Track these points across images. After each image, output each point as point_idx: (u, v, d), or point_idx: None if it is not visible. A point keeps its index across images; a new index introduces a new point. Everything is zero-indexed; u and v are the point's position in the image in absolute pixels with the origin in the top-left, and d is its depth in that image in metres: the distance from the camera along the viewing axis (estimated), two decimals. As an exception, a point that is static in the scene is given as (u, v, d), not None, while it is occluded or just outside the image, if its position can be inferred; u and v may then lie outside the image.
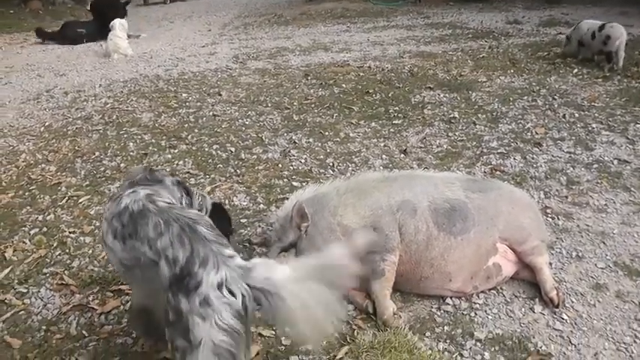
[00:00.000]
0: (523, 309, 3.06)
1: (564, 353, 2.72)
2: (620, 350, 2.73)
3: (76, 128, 6.11)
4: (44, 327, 3.08)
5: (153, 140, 5.67)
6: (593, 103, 6.23)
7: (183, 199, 2.72)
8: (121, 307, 3.19)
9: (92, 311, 3.18)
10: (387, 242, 3.01)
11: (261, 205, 4.30)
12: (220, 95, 7.15)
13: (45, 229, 4.07)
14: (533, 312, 3.02)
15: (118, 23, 9.97)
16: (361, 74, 7.93)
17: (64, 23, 11.86)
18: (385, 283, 3.01)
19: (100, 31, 11.01)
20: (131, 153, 5.36)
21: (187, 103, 6.83)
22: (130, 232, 2.26)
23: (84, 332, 3.01)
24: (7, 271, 3.58)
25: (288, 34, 11.70)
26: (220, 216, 3.06)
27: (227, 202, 4.34)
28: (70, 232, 4.01)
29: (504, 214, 3.19)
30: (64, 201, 4.48)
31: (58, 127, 6.21)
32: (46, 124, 6.31)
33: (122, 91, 7.54)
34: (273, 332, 2.91)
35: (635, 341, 2.79)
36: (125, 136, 5.82)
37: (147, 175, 2.63)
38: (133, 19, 11.87)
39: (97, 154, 5.37)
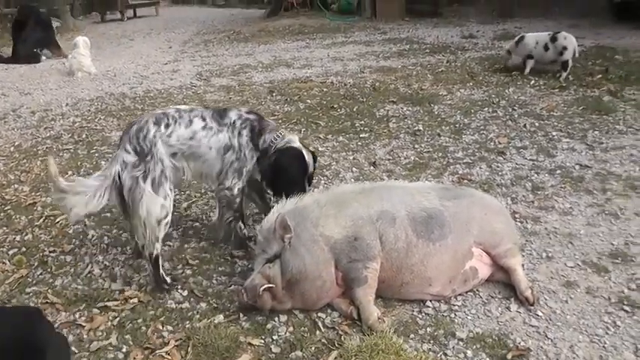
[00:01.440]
0: (500, 308, 3.19)
1: (542, 347, 2.86)
2: (594, 342, 2.89)
3: (47, 148, 6.12)
4: None
5: (124, 158, 5.69)
6: (551, 113, 6.46)
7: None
8: (109, 322, 3.22)
9: (80, 328, 3.20)
10: (368, 251, 3.11)
11: (239, 220, 4.39)
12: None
13: (24, 249, 4.08)
14: (510, 310, 3.16)
15: (81, 41, 9.97)
16: (325, 90, 8.07)
17: (15, 44, 11.74)
18: (368, 290, 3.12)
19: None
20: (104, 171, 5.38)
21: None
22: None
23: (73, 349, 3.02)
24: None
25: (249, 51, 11.82)
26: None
27: (204, 217, 4.43)
28: (50, 252, 4.02)
29: (478, 220, 3.34)
30: (40, 221, 4.49)
31: (27, 146, 6.21)
32: (16, 144, 6.31)
33: (89, 110, 7.56)
34: (262, 341, 3.00)
35: (607, 333, 2.94)
36: (96, 154, 5.86)
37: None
38: (92, 37, 11.83)
39: (69, 173, 5.38)
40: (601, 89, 7.26)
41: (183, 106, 3.74)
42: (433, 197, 3.37)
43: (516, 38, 8.18)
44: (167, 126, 3.51)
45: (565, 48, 7.68)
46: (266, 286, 3.05)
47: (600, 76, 7.82)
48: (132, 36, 15.13)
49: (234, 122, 3.66)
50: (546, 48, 7.80)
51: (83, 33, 13.35)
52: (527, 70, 8.09)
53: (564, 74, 7.80)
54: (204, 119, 3.61)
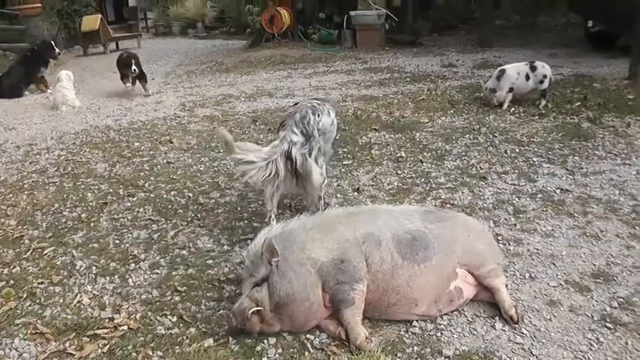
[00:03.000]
0: (485, 327, 3.26)
1: (527, 364, 2.94)
2: (578, 358, 2.96)
3: (32, 181, 6.12)
4: None
5: (110, 190, 5.74)
6: (532, 139, 6.60)
7: None
8: (99, 350, 3.23)
9: (70, 357, 3.21)
10: (355, 273, 3.17)
11: (225, 247, 4.42)
12: (172, 143, 7.26)
13: (12, 281, 4.06)
14: (495, 329, 3.23)
15: (64, 74, 9.97)
16: (308, 118, 8.13)
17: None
18: (356, 311, 3.17)
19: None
20: (90, 203, 5.41)
21: (140, 152, 6.93)
22: None
23: (65, 377, 3.07)
24: None
25: (231, 82, 11.88)
26: None
27: (191, 245, 4.47)
28: (38, 283, 4.01)
29: (461, 241, 3.42)
30: (28, 253, 4.48)
31: (13, 181, 6.20)
32: (1, 178, 6.29)
33: (74, 143, 7.57)
34: (252, 363, 3.05)
35: (590, 349, 3.02)
36: (82, 187, 5.87)
37: None
38: (75, 70, 11.83)
39: (56, 205, 5.40)
40: (580, 116, 7.42)
41: (316, 101, 4.83)
42: (417, 220, 3.46)
43: (496, 73, 8.10)
44: (318, 115, 4.56)
45: (545, 76, 7.86)
46: (254, 309, 3.10)
47: (579, 103, 8.00)
48: (114, 69, 14.99)
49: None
50: (527, 78, 7.91)
51: (66, 66, 13.38)
52: (506, 105, 8.05)
53: (544, 102, 7.96)
54: (329, 114, 4.73)
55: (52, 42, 12.03)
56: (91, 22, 18.22)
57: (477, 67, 11.71)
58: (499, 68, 8.24)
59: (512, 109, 7.96)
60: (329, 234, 3.32)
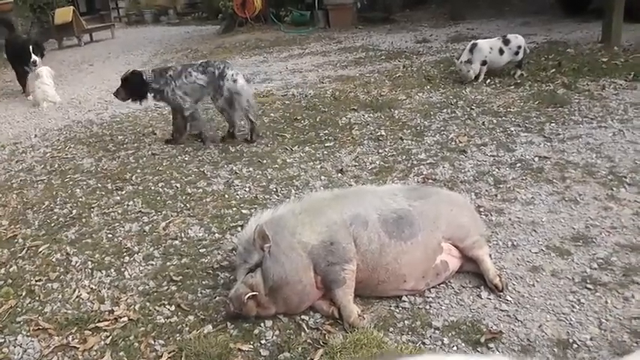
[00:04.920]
0: (471, 297, 3.40)
1: (513, 329, 3.07)
2: (561, 320, 3.11)
3: (20, 180, 6.18)
4: None
5: (99, 184, 5.80)
6: (508, 109, 6.74)
7: None
8: (102, 342, 3.34)
9: (74, 350, 3.30)
10: (344, 254, 3.28)
11: (216, 235, 4.51)
12: (155, 134, 7.33)
13: (10, 280, 4.14)
14: (481, 298, 3.37)
15: (45, 71, 9.93)
16: (287, 102, 8.23)
17: None
18: (347, 290, 3.29)
19: None
20: (80, 199, 5.48)
21: (125, 145, 6.98)
22: None
23: (71, 370, 3.17)
24: None
25: (207, 69, 11.88)
26: None
27: (183, 235, 4.56)
28: (36, 281, 4.09)
29: (445, 216, 3.55)
30: (23, 252, 4.56)
31: (1, 181, 6.25)
32: (-11, 179, 6.36)
33: (59, 139, 7.61)
34: (252, 346, 3.15)
35: (572, 311, 3.17)
36: (70, 183, 5.94)
37: None
38: (52, 64, 11.78)
39: (46, 203, 5.46)
40: (555, 83, 7.58)
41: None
42: (401, 198, 3.56)
43: (469, 46, 8.14)
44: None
45: (519, 47, 7.96)
46: (250, 294, 3.21)
47: (554, 70, 8.15)
48: (91, 61, 15.08)
49: None
50: (501, 52, 7.98)
51: (42, 61, 13.30)
52: (482, 77, 8.13)
53: (519, 72, 8.09)
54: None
55: (31, 47, 10.42)
56: (64, 14, 18.11)
57: (450, 40, 11.81)
58: (472, 42, 8.32)
59: (488, 80, 8.07)
60: (317, 217, 3.42)
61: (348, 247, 3.32)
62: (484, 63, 8.06)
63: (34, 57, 10.12)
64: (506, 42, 7.99)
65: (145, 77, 6.50)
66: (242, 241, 3.50)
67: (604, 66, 8.03)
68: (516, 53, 7.99)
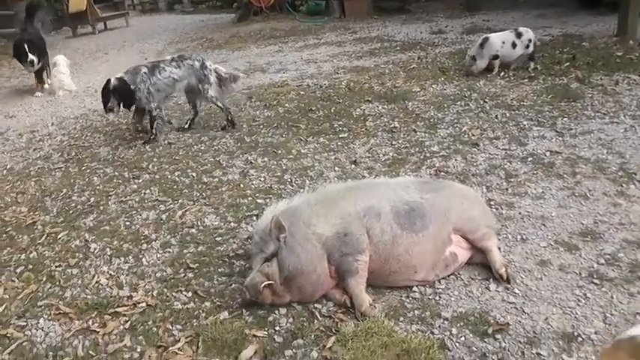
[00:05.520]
0: (480, 289, 3.47)
1: (519, 321, 3.14)
2: (567, 313, 3.18)
3: (38, 168, 6.31)
4: (51, 353, 3.28)
5: (116, 173, 5.92)
6: (522, 103, 6.77)
7: None
8: (121, 326, 3.44)
9: (95, 333, 3.40)
10: (357, 245, 3.36)
11: (232, 224, 4.60)
12: (171, 123, 7.40)
13: (30, 266, 4.25)
14: (489, 290, 3.44)
15: (61, 59, 10.06)
16: (301, 93, 8.29)
17: None
18: (360, 280, 3.37)
19: None
20: (98, 187, 5.59)
21: (141, 134, 7.07)
22: None
23: (91, 352, 3.24)
24: (1, 308, 3.75)
25: (223, 58, 11.94)
26: None
27: (199, 223, 4.65)
28: (56, 267, 4.20)
29: (456, 209, 3.63)
30: (42, 239, 4.67)
31: (19, 168, 6.38)
32: (7, 166, 6.48)
33: (75, 128, 7.75)
34: (266, 332, 3.25)
35: (578, 304, 3.24)
36: (88, 171, 6.06)
37: None
38: (66, 52, 11.89)
39: (64, 191, 5.58)
40: (569, 77, 7.59)
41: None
42: (413, 191, 3.64)
43: (480, 41, 8.17)
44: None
45: (530, 40, 8.00)
46: (266, 282, 3.31)
47: (568, 64, 8.17)
48: (106, 49, 15.16)
49: None
50: (514, 45, 8.01)
51: (57, 49, 13.42)
52: (496, 70, 8.16)
53: (532, 64, 8.13)
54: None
55: (26, 45, 9.75)
56: (78, 2, 18.22)
57: (466, 32, 11.82)
58: (483, 36, 8.34)
59: (502, 73, 8.10)
60: (332, 209, 3.50)
61: (361, 238, 3.40)
62: (496, 57, 8.09)
63: (30, 56, 9.66)
64: (519, 35, 8.02)
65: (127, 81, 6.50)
66: (258, 231, 3.59)
67: (618, 60, 8.03)
68: (527, 46, 8.03)
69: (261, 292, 3.31)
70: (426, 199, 3.60)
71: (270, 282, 3.32)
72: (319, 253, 3.36)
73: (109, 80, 6.46)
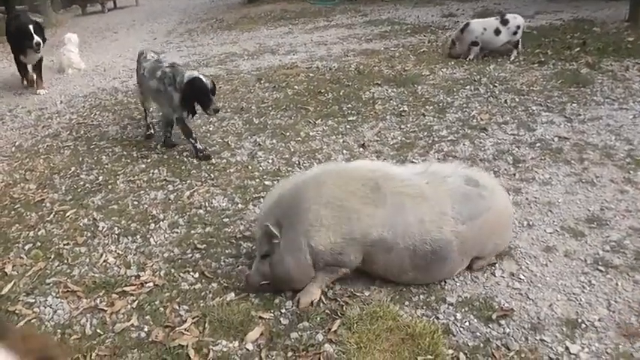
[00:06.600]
0: (485, 274, 3.49)
1: (524, 307, 3.17)
2: (571, 300, 3.20)
3: (47, 146, 6.34)
4: (59, 330, 3.33)
5: (124, 152, 5.94)
6: (531, 88, 6.75)
7: None
8: (128, 306, 3.48)
9: (102, 312, 3.45)
10: (346, 263, 3.31)
11: (239, 205, 4.63)
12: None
13: (39, 243, 4.30)
14: (495, 276, 3.46)
15: (69, 37, 10.05)
16: (311, 75, 8.27)
17: None
18: (327, 278, 3.39)
19: None
20: (106, 165, 5.63)
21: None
22: None
23: (98, 331, 3.29)
24: (10, 285, 3.79)
25: (233, 39, 11.95)
26: None
27: (207, 204, 4.68)
28: (64, 245, 4.25)
29: (484, 243, 3.40)
30: (51, 216, 4.71)
31: (28, 146, 6.42)
32: (16, 143, 6.51)
33: (84, 106, 7.77)
34: (272, 314, 3.28)
35: (582, 291, 3.26)
36: (96, 150, 6.08)
37: None
38: (75, 30, 11.88)
39: (72, 169, 5.62)
40: (579, 62, 7.57)
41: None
42: (448, 220, 3.23)
43: (461, 26, 8.24)
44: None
45: (518, 27, 7.99)
46: (262, 283, 3.41)
47: (578, 49, 8.15)
48: (115, 28, 15.14)
49: None
50: (497, 32, 7.99)
51: (66, 27, 13.44)
52: (472, 56, 8.18)
53: (515, 52, 8.11)
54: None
55: (31, 26, 8.41)
56: (87, -20, 18.14)
57: (477, 15, 11.68)
58: (466, 22, 8.37)
59: (512, 57, 8.07)
60: (339, 224, 3.22)
61: (354, 260, 3.32)
62: (475, 44, 8.10)
63: (36, 38, 8.31)
64: (505, 22, 8.00)
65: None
66: (257, 229, 3.60)
67: (629, 46, 8.02)
68: (515, 33, 8.00)
69: (258, 289, 3.44)
70: (457, 234, 3.24)
71: (266, 282, 3.40)
72: (308, 264, 3.30)
73: (200, 79, 5.47)
